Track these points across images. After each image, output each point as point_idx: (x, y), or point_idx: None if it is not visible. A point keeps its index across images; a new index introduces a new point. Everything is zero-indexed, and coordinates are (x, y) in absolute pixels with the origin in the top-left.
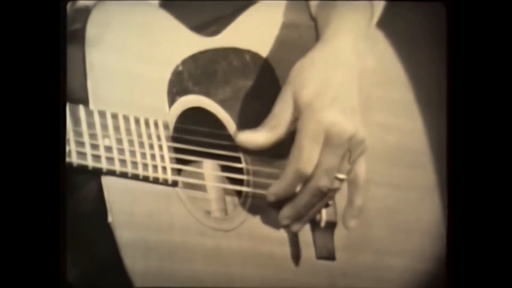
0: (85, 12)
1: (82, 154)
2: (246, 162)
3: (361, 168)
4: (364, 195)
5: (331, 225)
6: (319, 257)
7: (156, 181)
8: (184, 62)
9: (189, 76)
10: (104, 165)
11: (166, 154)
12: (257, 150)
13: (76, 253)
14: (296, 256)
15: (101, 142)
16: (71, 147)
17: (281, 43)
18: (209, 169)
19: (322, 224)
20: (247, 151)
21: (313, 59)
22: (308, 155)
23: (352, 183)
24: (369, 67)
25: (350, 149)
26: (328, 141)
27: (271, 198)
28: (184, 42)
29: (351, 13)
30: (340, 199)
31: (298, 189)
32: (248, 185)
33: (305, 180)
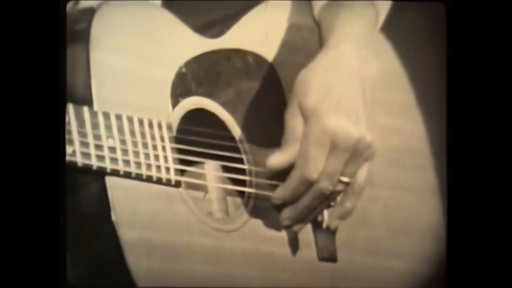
0: (90, 12)
1: (86, 155)
2: (249, 163)
3: (362, 174)
4: (365, 196)
5: None
6: (321, 258)
7: (159, 181)
8: (187, 64)
9: (192, 77)
10: (108, 165)
11: (170, 154)
12: (285, 168)
13: (78, 252)
14: (294, 251)
15: (105, 142)
16: (76, 147)
17: (284, 45)
18: (212, 170)
19: (324, 225)
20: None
21: (317, 66)
22: (314, 161)
23: (349, 186)
24: (372, 73)
25: (356, 153)
26: (333, 145)
27: (276, 201)
28: (187, 43)
29: (355, 19)
30: None
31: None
32: (250, 186)
33: (311, 185)
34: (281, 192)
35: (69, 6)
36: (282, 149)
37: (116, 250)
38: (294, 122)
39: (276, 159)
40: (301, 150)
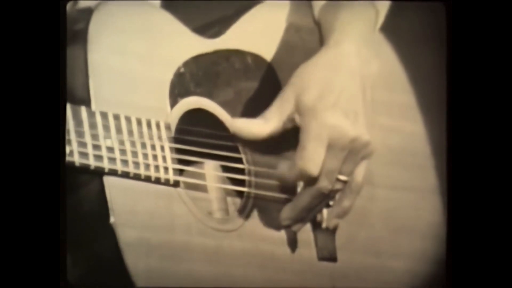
0: (87, 12)
1: (84, 154)
2: (248, 163)
3: (360, 172)
4: (365, 196)
5: None
6: (321, 258)
7: (157, 181)
8: (186, 64)
9: (191, 77)
10: (106, 164)
11: (168, 154)
12: (251, 140)
13: (78, 252)
14: (294, 251)
15: (103, 142)
16: (73, 147)
17: (283, 45)
18: (211, 169)
19: (324, 225)
20: (244, 142)
21: (317, 63)
22: (313, 157)
23: (347, 184)
24: (372, 72)
25: (353, 151)
26: (330, 143)
27: (278, 176)
28: (186, 44)
29: (356, 18)
30: None
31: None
32: (250, 185)
33: (313, 181)
34: (281, 170)
35: (68, 6)
36: (255, 119)
37: (115, 250)
38: (282, 104)
39: (241, 123)
40: (300, 146)
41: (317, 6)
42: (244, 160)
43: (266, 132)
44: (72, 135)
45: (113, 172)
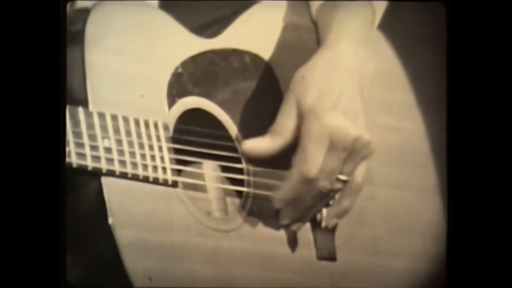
0: (84, 12)
1: (81, 155)
2: (247, 163)
3: (360, 173)
4: (365, 195)
5: None
6: (320, 257)
7: (156, 181)
8: (184, 64)
9: (189, 77)
10: (103, 165)
11: (166, 155)
12: (262, 159)
13: (77, 253)
14: (293, 250)
15: (101, 143)
16: (71, 148)
17: (281, 45)
18: (209, 169)
19: (323, 224)
20: (252, 160)
21: (315, 64)
22: (312, 158)
23: (347, 184)
24: (370, 71)
25: (354, 151)
26: (332, 144)
27: (277, 205)
28: (184, 43)
29: (353, 18)
30: None
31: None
32: (248, 185)
33: (310, 182)
34: (281, 193)
35: (68, 6)
36: (264, 137)
37: (114, 251)
38: (286, 115)
39: (251, 144)
40: (300, 147)
41: (314, 5)
42: (242, 160)
43: (276, 148)
44: (69, 136)
45: (111, 173)
